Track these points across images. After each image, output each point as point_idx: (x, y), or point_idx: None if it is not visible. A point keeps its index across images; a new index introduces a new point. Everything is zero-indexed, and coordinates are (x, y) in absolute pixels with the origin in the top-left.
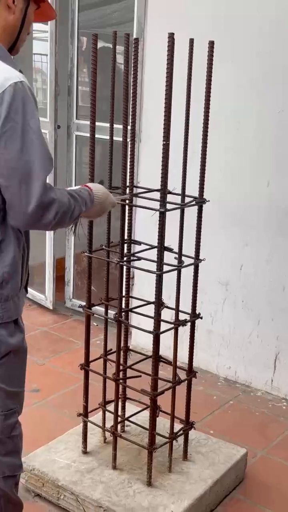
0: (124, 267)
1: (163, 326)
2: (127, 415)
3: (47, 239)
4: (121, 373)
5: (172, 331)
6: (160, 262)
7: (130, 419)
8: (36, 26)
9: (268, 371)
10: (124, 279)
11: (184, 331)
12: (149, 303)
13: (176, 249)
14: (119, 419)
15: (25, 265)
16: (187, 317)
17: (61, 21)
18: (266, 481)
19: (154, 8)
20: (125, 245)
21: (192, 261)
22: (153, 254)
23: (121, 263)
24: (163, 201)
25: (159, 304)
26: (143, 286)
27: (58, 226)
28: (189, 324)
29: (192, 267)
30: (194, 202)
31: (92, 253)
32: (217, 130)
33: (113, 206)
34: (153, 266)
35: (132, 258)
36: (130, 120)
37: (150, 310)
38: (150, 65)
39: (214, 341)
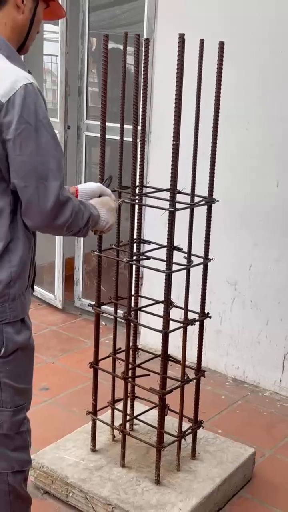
0: (134, 267)
1: (172, 325)
2: (135, 413)
3: (56, 239)
4: (130, 371)
5: (181, 331)
6: (169, 261)
7: (138, 417)
8: (47, 27)
9: (277, 371)
10: (134, 279)
11: (193, 330)
12: (158, 302)
13: (185, 249)
14: (128, 417)
15: (32, 265)
16: (196, 316)
17: (71, 22)
18: (274, 480)
19: (164, 9)
20: (135, 245)
21: (201, 260)
22: (162, 253)
23: (130, 262)
24: (172, 201)
25: (168, 303)
26: (152, 285)
27: (71, 228)
28: (197, 323)
29: (201, 266)
30: (203, 202)
31: (102, 252)
32: (226, 130)
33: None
34: (162, 266)
35: (141, 257)
36: (140, 121)
37: (159, 309)
38: (160, 66)
39: (222, 341)
